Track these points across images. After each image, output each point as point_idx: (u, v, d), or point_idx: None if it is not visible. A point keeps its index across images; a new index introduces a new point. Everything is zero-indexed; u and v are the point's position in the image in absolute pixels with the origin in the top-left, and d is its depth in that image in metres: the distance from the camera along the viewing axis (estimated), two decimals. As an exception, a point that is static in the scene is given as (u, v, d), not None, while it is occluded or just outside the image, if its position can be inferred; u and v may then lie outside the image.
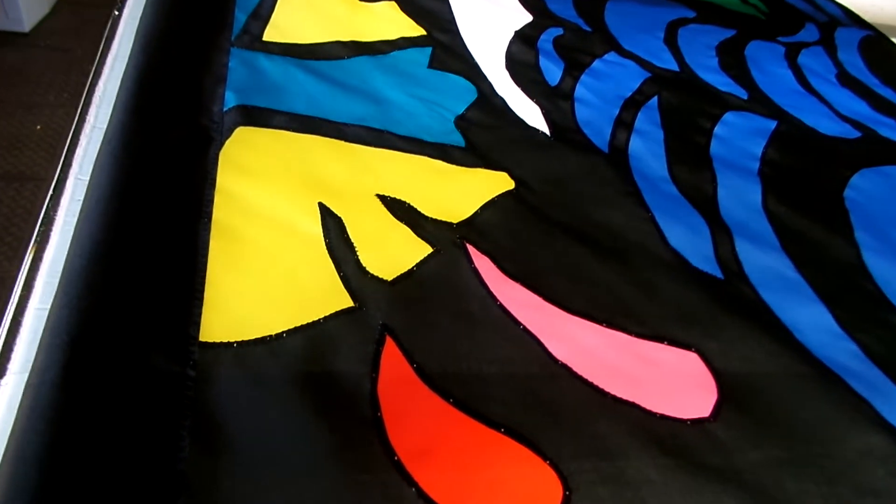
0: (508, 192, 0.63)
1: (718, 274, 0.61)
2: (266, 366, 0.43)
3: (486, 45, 0.84)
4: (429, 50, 0.80)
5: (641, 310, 0.55)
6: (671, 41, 0.98)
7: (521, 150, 0.69)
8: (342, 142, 0.63)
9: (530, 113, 0.75)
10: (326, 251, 0.52)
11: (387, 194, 0.59)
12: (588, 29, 0.95)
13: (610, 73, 0.86)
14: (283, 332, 0.45)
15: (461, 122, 0.70)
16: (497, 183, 0.64)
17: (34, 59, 1.43)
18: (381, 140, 0.65)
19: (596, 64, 0.87)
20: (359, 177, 0.60)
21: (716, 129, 0.81)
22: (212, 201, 0.53)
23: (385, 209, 0.58)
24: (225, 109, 0.62)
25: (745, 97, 0.89)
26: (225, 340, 0.44)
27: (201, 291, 0.46)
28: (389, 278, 0.51)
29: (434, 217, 0.58)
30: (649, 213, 0.64)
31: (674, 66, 0.92)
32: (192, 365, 0.42)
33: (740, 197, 0.71)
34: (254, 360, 0.43)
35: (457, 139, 0.68)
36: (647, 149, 0.74)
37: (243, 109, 0.63)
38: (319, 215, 0.55)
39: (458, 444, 0.43)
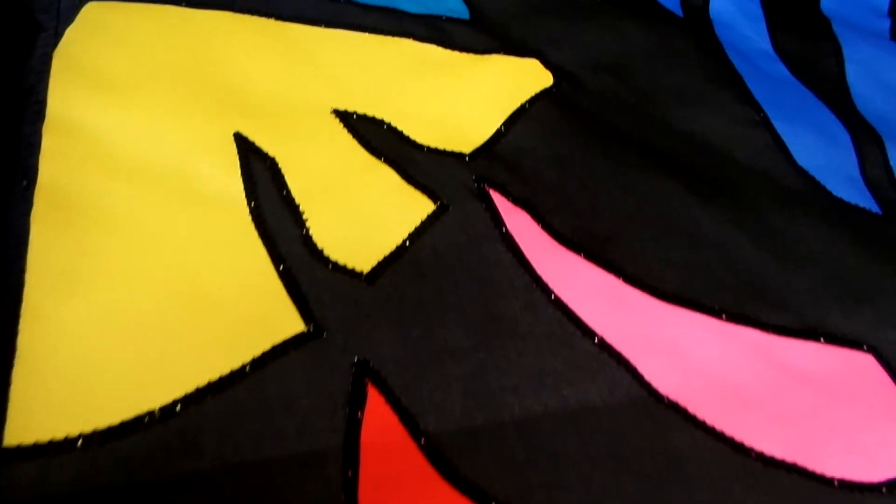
0: (545, 93, 0.39)
1: (874, 206, 0.39)
2: (116, 477, 0.23)
3: None
4: None
5: (775, 282, 0.34)
6: None
7: (557, 18, 0.44)
8: (270, 20, 0.39)
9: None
10: (252, 224, 0.30)
11: (350, 109, 0.36)
12: None
13: None
14: (162, 410, 0.24)
15: (460, -21, 0.45)
16: (526, 77, 0.40)
17: None
18: (335, 13, 0.40)
19: None
20: (302, 81, 0.36)
21: (822, -21, 0.56)
22: (37, 148, 0.30)
23: (350, 136, 0.34)
24: (64, -28, 0.37)
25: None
26: (47, 440, 0.23)
27: (9, 350, 0.24)
28: (365, 267, 0.30)
29: (433, 146, 0.35)
30: (760, 112, 0.42)
31: None
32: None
33: (877, 76, 0.48)
34: (97, 471, 0.23)
35: (455, 6, 0.43)
36: (738, 7, 0.50)
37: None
38: (237, 157, 0.32)
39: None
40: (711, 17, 0.48)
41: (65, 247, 0.28)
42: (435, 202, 0.32)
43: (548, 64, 0.41)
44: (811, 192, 0.39)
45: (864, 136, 0.42)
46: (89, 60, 0.34)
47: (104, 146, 0.31)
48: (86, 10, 0.35)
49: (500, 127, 0.37)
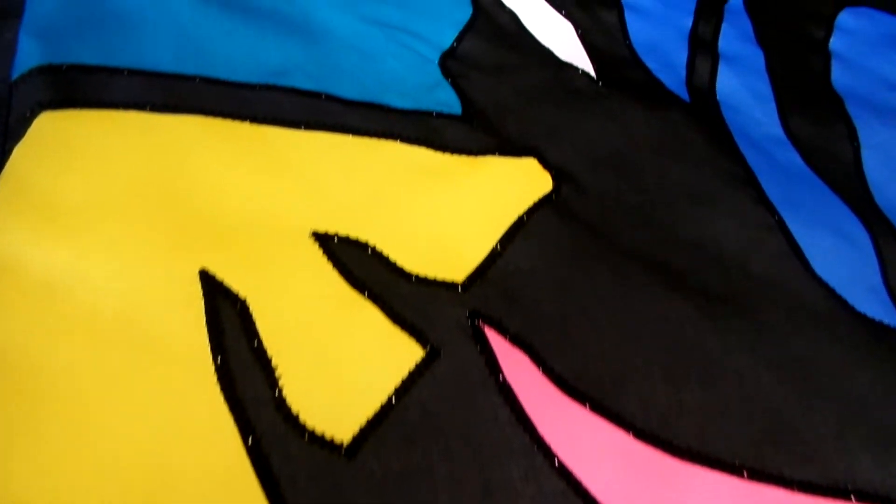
0: (544, 200, 0.36)
1: (899, 323, 0.37)
2: None
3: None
4: (387, -70, 0.49)
5: (799, 424, 0.31)
6: None
7: (554, 107, 0.41)
8: (245, 123, 0.35)
9: (559, 36, 0.46)
10: (217, 385, 0.27)
11: (332, 230, 0.32)
12: None
13: (667, -46, 0.56)
14: None
15: (452, 63, 0.42)
16: (524, 183, 0.37)
17: None
18: (315, 112, 0.37)
19: (644, -61, 0.57)
20: (278, 197, 0.33)
21: (832, 41, 0.53)
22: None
23: (330, 265, 0.31)
24: (14, 78, 0.33)
25: (861, -18, 0.60)
26: None
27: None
28: (346, 436, 0.26)
29: (422, 274, 0.32)
30: (775, 214, 0.39)
31: (754, -63, 0.62)
32: None
33: (894, 163, 0.45)
34: None
35: (446, 97, 0.40)
36: (746, 87, 0.47)
37: (53, 74, 0.34)
38: (202, 299, 0.29)
39: None
40: (719, 99, 0.45)
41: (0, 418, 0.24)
42: (424, 346, 0.29)
43: (546, 163, 0.38)
44: (832, 308, 0.36)
45: (884, 236, 0.40)
46: (40, 185, 0.30)
47: (52, 294, 0.27)
48: (39, 123, 0.32)
49: (496, 245, 0.34)
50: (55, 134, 0.32)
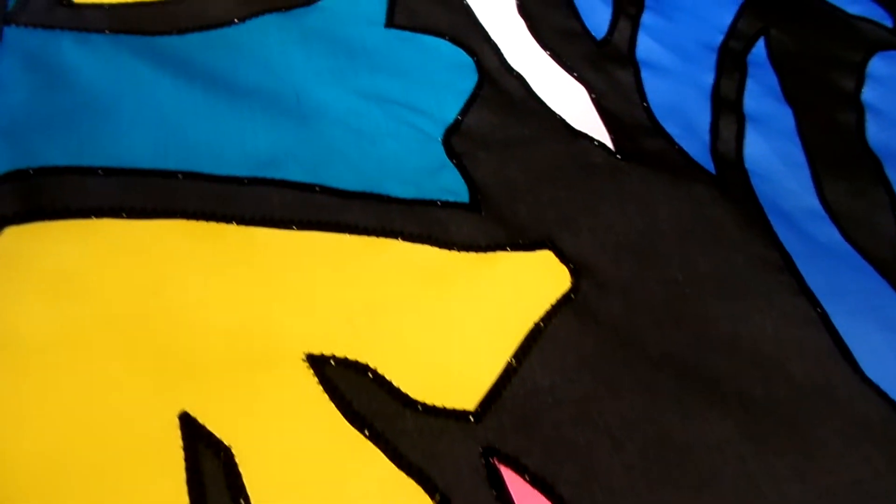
0: (563, 301, 0.33)
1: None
2: None
3: (480, -33, 0.49)
4: (386, -12, 0.46)
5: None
6: (758, -71, 0.63)
7: (569, 188, 0.38)
8: (231, 225, 0.32)
9: (571, 101, 0.43)
10: (198, 559, 0.23)
11: (328, 352, 0.29)
12: (635, -80, 0.60)
13: (683, 1, 0.53)
14: None
15: (457, 140, 0.38)
16: (539, 282, 0.33)
17: None
18: (309, 209, 0.33)
19: (658, -15, 0.54)
20: (268, 312, 0.30)
21: (864, 91, 0.49)
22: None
23: (326, 397, 0.28)
24: (-24, 187, 0.30)
25: (891, 23, 0.56)
26: None
27: None
28: None
29: (429, 402, 0.29)
30: (818, 306, 0.35)
31: (773, -25, 0.58)
32: None
33: (943, 234, 0.41)
34: None
35: (451, 183, 0.36)
36: (776, 152, 0.43)
37: (20, 182, 0.31)
38: (182, 452, 0.25)
39: None
40: (747, 167, 0.42)
41: None
42: (433, 495, 0.26)
43: (562, 256, 0.35)
44: (887, 418, 0.32)
45: (938, 325, 0.36)
46: (1, 316, 0.27)
47: (12, 443, 0.24)
48: (2, 240, 0.29)
49: (511, 360, 0.30)
50: (20, 253, 0.29)
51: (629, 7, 0.50)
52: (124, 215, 0.31)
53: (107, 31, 0.38)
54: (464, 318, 0.31)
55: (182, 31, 0.40)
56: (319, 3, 0.43)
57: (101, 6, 0.39)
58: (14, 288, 0.28)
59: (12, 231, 0.29)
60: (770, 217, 0.39)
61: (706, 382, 0.32)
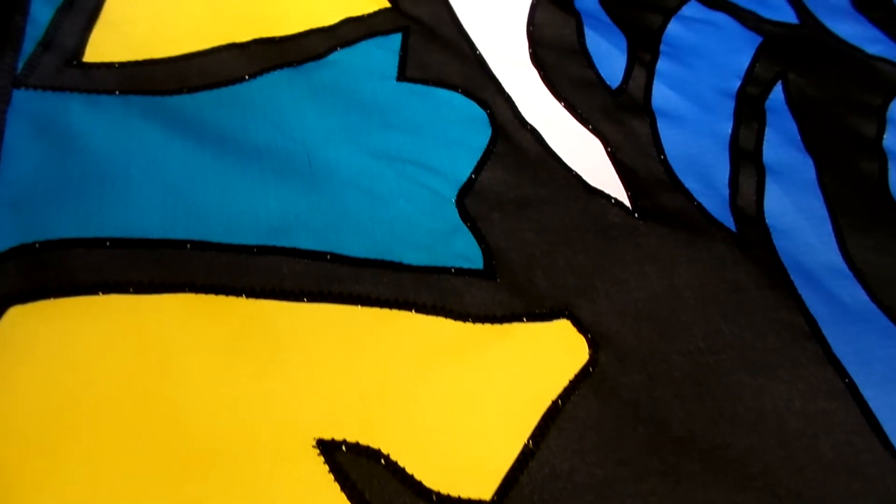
0: (582, 376, 0.32)
1: None
2: None
3: (494, 15, 0.49)
4: (397, 40, 0.45)
5: None
6: (773, -34, 0.62)
7: (586, 253, 0.37)
8: (239, 299, 0.31)
9: (587, 156, 0.42)
10: None
11: (339, 436, 0.28)
12: (648, -40, 0.59)
13: (699, 46, 0.52)
14: None
15: (471, 201, 0.38)
16: (557, 355, 0.32)
17: None
18: (321, 279, 0.33)
19: (673, 28, 0.53)
20: (276, 393, 0.29)
21: (886, 138, 0.48)
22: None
23: (337, 487, 0.27)
24: (-18, 265, 0.30)
25: (911, 63, 0.55)
26: None
27: None
28: None
29: (444, 491, 0.28)
30: (846, 376, 0.34)
31: (790, 15, 0.57)
32: None
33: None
34: None
35: (465, 248, 0.36)
36: (797, 205, 0.42)
37: (25, 257, 0.30)
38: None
39: None
40: (768, 223, 0.40)
41: None
42: None
43: (580, 325, 0.34)
44: (921, 500, 0.31)
45: (971, 395, 0.35)
46: (2, 406, 0.26)
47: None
48: (6, 321, 0.28)
49: (528, 442, 0.29)
50: (24, 335, 0.28)
51: (644, 54, 0.49)
52: (131, 290, 0.30)
53: (117, 93, 0.37)
54: (479, 396, 0.30)
55: (192, 89, 0.39)
56: (330, 56, 0.43)
57: (111, 65, 0.39)
58: (17, 371, 0.27)
59: (17, 311, 0.29)
60: (793, 277, 0.38)
61: (731, 464, 0.30)
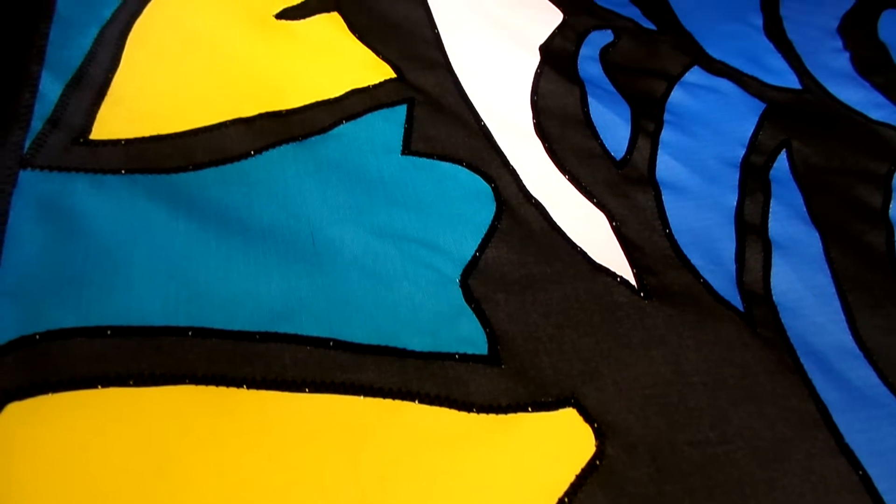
0: (589, 470, 0.31)
1: None
2: None
3: (497, 84, 0.49)
4: (402, 112, 0.45)
5: None
6: (775, 29, 0.63)
7: (592, 336, 0.36)
8: (241, 389, 0.31)
9: (592, 231, 0.42)
10: None
11: (340, 541, 0.27)
12: (650, 25, 0.60)
13: (702, 113, 0.52)
14: None
15: (475, 282, 0.37)
16: (562, 447, 0.32)
17: None
18: (324, 368, 0.32)
19: (676, 95, 0.53)
20: (276, 495, 0.28)
21: (892, 208, 0.48)
22: None
23: None
24: (-18, 358, 0.30)
25: (914, 129, 0.55)
26: None
27: None
28: None
29: None
30: (859, 468, 0.33)
31: (792, 81, 0.57)
32: None
33: None
34: None
35: (469, 332, 0.35)
36: (805, 282, 0.42)
37: (24, 349, 0.30)
38: None
39: None
40: (776, 301, 0.40)
41: None
42: None
43: (586, 414, 0.33)
44: None
45: None
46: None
47: None
48: (3, 419, 0.28)
49: (534, 545, 0.29)
50: (22, 432, 0.28)
51: (647, 123, 0.49)
52: (131, 383, 0.30)
53: (123, 172, 0.38)
54: (484, 493, 0.30)
55: (198, 165, 0.39)
56: (335, 130, 0.43)
57: (117, 142, 0.39)
58: (15, 469, 0.27)
59: (14, 407, 0.28)
60: (802, 359, 0.37)
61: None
